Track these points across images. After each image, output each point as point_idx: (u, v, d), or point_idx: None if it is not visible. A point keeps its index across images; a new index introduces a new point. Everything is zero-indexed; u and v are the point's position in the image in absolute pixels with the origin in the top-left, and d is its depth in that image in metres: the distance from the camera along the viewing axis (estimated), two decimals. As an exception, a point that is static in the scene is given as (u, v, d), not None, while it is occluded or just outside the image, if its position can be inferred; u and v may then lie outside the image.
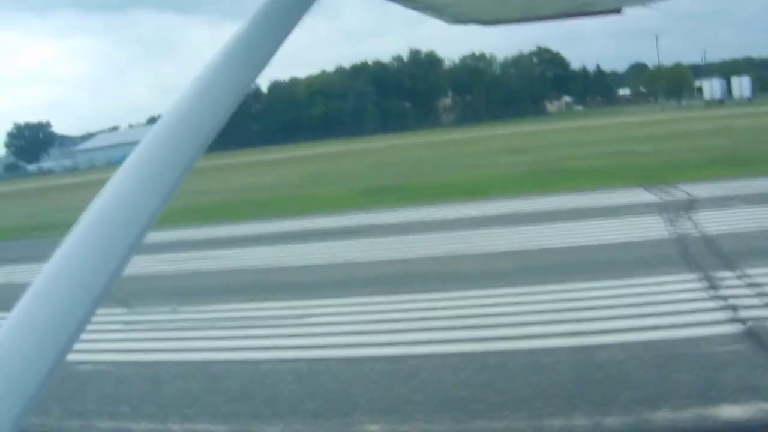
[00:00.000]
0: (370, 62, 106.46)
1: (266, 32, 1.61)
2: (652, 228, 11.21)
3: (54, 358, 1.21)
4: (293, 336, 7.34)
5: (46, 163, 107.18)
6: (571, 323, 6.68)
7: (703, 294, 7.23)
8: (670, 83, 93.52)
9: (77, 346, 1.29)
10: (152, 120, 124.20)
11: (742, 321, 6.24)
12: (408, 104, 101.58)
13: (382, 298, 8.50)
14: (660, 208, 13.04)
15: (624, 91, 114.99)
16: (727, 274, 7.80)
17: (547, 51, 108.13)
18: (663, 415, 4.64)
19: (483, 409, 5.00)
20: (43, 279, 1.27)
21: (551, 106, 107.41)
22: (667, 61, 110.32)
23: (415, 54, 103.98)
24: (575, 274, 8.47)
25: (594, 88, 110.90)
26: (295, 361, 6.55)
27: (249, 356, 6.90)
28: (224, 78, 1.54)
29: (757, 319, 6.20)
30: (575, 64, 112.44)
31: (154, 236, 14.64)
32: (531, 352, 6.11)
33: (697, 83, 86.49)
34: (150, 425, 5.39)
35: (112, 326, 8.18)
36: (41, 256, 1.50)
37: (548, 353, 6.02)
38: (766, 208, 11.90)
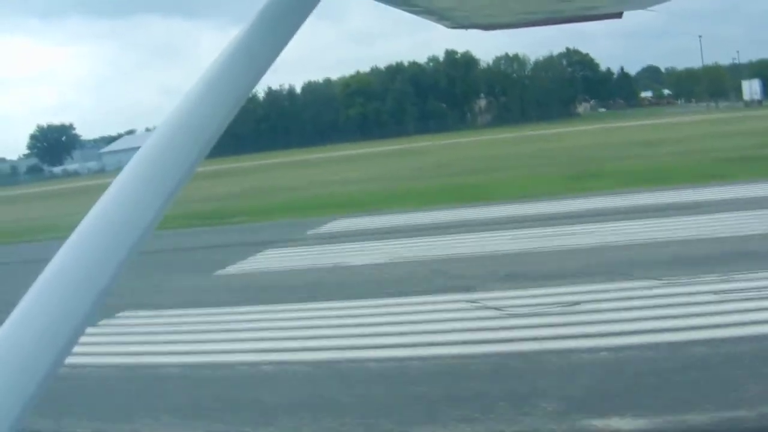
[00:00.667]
0: (405, 63, 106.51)
1: (268, 35, 1.62)
2: None
3: (54, 359, 1.23)
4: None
5: (71, 166, 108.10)
6: None
7: None
8: (711, 85, 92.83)
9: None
10: None
11: None
12: (444, 105, 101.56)
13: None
14: None
15: (646, 94, 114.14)
16: None
17: (576, 52, 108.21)
18: None
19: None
20: (44, 280, 1.29)
21: (580, 108, 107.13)
22: (676, 63, 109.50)
23: (451, 55, 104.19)
24: None
25: (615, 91, 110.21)
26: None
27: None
28: (226, 81, 1.56)
29: None
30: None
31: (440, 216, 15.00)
32: None
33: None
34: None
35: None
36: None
37: None
38: None
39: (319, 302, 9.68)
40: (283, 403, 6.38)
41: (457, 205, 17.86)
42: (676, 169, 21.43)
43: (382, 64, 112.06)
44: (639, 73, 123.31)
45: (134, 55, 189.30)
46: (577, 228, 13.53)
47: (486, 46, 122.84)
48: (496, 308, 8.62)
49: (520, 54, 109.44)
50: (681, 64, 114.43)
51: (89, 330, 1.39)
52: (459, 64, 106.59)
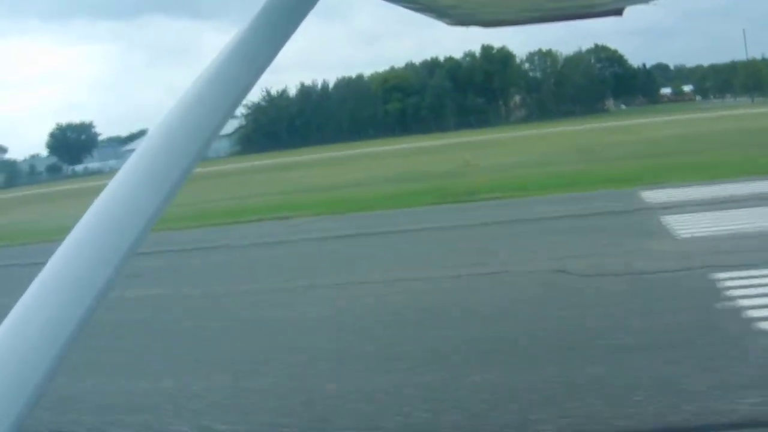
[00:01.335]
0: (441, 58, 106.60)
1: (266, 35, 1.64)
2: None
3: (54, 358, 1.24)
4: None
5: (93, 164, 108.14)
6: None
7: None
8: (749, 79, 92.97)
9: None
10: None
11: None
12: (482, 100, 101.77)
13: None
14: None
15: (666, 90, 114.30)
16: None
17: (604, 48, 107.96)
18: None
19: None
20: (43, 279, 1.31)
21: (608, 104, 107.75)
22: (673, 61, 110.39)
23: (487, 50, 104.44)
24: None
25: (636, 88, 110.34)
26: None
27: None
28: (225, 80, 1.57)
29: None
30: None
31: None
32: None
33: None
34: None
35: None
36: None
37: None
38: None
39: None
40: None
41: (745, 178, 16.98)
42: None
43: (382, 65, 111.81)
44: (650, 69, 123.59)
45: (140, 55, 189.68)
46: None
47: (480, 40, 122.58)
48: None
49: (553, 50, 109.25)
50: (688, 61, 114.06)
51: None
52: (495, 60, 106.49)
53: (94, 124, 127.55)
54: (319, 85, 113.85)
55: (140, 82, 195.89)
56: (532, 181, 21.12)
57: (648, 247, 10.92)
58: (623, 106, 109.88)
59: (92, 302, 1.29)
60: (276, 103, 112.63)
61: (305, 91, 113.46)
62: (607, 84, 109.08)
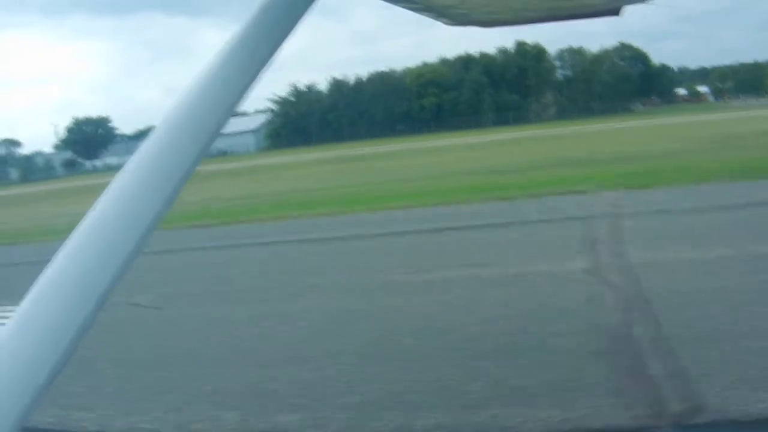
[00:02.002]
0: (476, 54, 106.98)
1: (266, 33, 1.66)
2: None
3: (57, 358, 1.27)
4: None
5: (111, 159, 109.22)
6: None
7: None
8: None
9: None
10: None
11: None
12: (517, 96, 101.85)
13: None
14: None
15: (681, 91, 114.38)
16: None
17: (629, 47, 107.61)
18: None
19: None
20: (47, 279, 1.33)
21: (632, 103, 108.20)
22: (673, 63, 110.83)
23: (521, 46, 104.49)
24: None
25: (659, 87, 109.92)
26: None
27: None
28: (225, 78, 1.59)
29: None
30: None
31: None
32: None
33: None
34: None
35: None
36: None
37: None
38: None
39: None
40: None
41: None
42: None
43: (379, 64, 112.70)
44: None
45: (138, 53, 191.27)
46: None
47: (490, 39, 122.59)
48: None
49: (583, 47, 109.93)
50: (691, 63, 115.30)
51: None
52: (530, 56, 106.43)
53: (111, 118, 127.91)
54: (352, 80, 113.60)
55: (140, 80, 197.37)
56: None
57: None
58: (641, 106, 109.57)
59: (96, 303, 1.32)
60: (306, 97, 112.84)
61: (337, 86, 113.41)
62: (633, 82, 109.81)
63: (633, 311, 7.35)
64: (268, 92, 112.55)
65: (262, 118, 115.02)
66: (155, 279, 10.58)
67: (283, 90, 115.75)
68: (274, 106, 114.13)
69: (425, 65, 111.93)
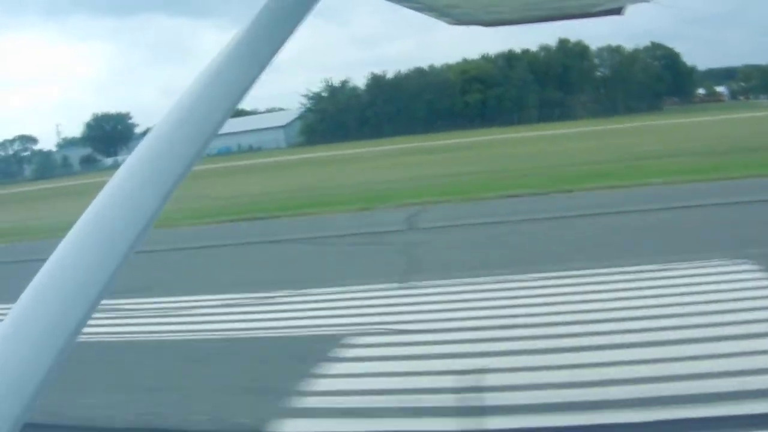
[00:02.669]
0: (518, 51, 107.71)
1: (267, 34, 1.68)
2: None
3: (54, 357, 1.27)
4: None
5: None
6: None
7: None
8: None
9: None
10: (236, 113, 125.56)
11: None
12: (560, 93, 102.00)
13: None
14: None
15: (700, 91, 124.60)
16: None
17: (659, 47, 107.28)
18: None
19: None
20: (43, 278, 1.35)
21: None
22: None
23: (564, 43, 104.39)
24: None
25: (690, 86, 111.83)
26: None
27: None
28: (225, 79, 1.61)
29: None
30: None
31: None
32: None
33: None
34: None
35: None
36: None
37: None
38: None
39: None
40: None
41: None
42: None
43: (382, 65, 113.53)
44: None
45: (139, 53, 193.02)
46: None
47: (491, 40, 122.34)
48: None
49: (622, 46, 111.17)
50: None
51: None
52: (573, 53, 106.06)
53: (131, 114, 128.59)
54: (390, 75, 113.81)
55: (139, 80, 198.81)
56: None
57: None
58: (670, 105, 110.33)
59: (92, 302, 1.34)
60: (342, 93, 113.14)
61: (375, 81, 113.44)
62: (665, 82, 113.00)
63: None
64: (294, 90, 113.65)
65: (291, 115, 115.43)
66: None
67: (315, 86, 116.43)
68: (307, 102, 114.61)
69: (463, 61, 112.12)
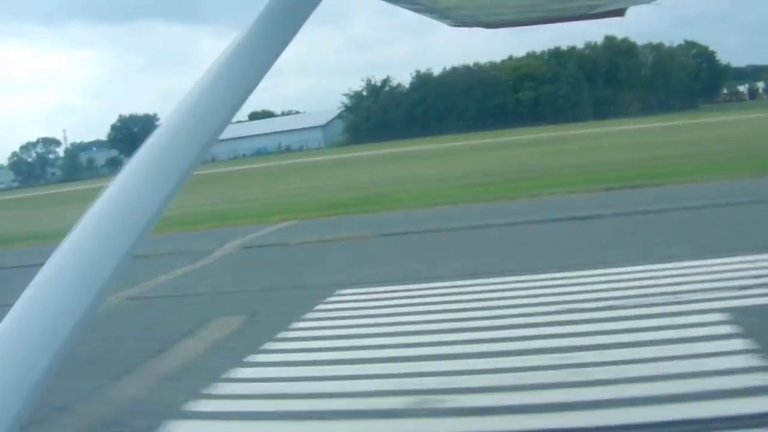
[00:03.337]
0: (564, 47, 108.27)
1: (268, 37, 1.69)
2: None
3: (53, 356, 1.29)
4: None
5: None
6: None
7: None
8: None
9: None
10: (254, 116, 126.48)
11: None
12: (610, 90, 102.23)
13: None
14: None
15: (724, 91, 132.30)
16: None
17: (694, 44, 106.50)
18: None
19: None
20: (43, 278, 1.37)
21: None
22: None
23: (610, 40, 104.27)
24: None
25: (724, 84, 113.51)
26: None
27: None
28: (226, 82, 1.62)
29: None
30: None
31: None
32: None
33: None
34: None
35: None
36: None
37: None
38: None
39: None
40: None
41: None
42: None
43: (382, 68, 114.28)
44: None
45: (136, 60, 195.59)
46: None
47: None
48: None
49: (664, 43, 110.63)
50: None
51: None
52: (621, 50, 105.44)
53: (159, 116, 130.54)
54: (436, 73, 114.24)
55: (136, 87, 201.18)
56: None
57: None
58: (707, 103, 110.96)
59: (92, 302, 1.36)
60: (389, 91, 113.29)
61: (421, 80, 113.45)
62: (702, 80, 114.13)
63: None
64: (328, 92, 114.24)
65: (330, 114, 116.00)
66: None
67: (356, 85, 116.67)
68: (348, 101, 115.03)
69: (508, 59, 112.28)
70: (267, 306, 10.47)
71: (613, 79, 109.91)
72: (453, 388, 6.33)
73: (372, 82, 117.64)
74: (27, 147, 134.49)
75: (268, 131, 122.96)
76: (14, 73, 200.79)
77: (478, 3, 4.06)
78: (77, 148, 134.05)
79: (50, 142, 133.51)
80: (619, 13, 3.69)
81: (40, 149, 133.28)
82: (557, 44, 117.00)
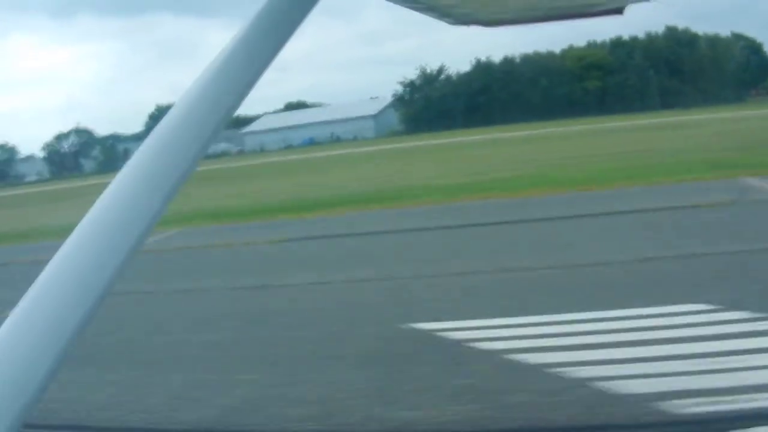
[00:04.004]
0: (626, 37, 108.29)
1: (268, 33, 1.67)
2: None
3: (55, 358, 1.30)
4: None
5: (219, 146, 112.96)
6: None
7: None
8: None
9: None
10: (290, 105, 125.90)
11: None
12: (676, 81, 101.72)
13: None
14: None
15: None
16: None
17: (741, 37, 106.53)
18: None
19: None
20: (45, 278, 1.38)
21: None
22: None
23: (671, 31, 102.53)
24: None
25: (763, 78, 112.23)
26: None
27: None
28: (227, 78, 1.61)
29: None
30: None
31: None
32: None
33: None
34: None
35: None
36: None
37: None
38: None
39: None
40: None
41: None
42: None
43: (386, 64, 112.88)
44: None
45: (145, 53, 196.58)
46: None
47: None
48: None
49: (716, 34, 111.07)
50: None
51: None
52: (683, 41, 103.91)
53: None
54: (498, 61, 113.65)
55: (145, 80, 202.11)
56: None
57: None
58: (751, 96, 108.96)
59: (94, 302, 1.36)
60: (447, 80, 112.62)
61: (482, 69, 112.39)
62: (751, 72, 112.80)
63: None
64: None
65: (381, 103, 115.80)
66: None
67: (411, 74, 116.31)
68: (402, 90, 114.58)
69: (570, 48, 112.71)
70: None
71: (677, 70, 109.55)
72: None
73: (426, 71, 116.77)
74: (59, 138, 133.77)
75: (316, 121, 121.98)
76: (19, 66, 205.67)
77: (477, 1, 3.99)
78: (113, 139, 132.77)
79: (83, 133, 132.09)
80: (618, 11, 3.64)
81: (73, 140, 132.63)
82: (584, 38, 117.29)
